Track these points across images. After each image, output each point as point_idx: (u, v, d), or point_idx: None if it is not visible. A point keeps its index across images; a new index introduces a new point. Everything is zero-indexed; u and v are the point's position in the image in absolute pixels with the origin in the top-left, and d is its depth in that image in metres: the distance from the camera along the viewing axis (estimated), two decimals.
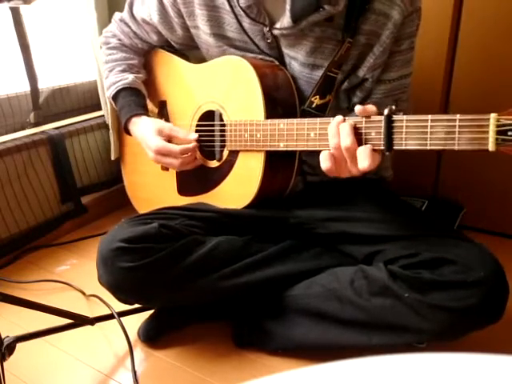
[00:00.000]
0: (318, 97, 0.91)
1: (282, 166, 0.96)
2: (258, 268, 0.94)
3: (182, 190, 1.13)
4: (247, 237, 0.97)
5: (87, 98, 1.61)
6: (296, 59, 0.94)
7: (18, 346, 0.82)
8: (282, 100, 0.93)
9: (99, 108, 1.55)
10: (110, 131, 1.36)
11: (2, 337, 0.79)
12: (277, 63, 0.96)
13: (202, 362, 0.95)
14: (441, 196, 1.47)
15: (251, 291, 0.95)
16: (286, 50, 0.95)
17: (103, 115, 1.56)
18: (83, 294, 1.19)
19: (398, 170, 1.15)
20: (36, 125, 1.45)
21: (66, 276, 1.27)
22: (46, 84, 1.48)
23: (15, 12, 1.32)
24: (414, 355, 0.29)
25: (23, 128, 1.43)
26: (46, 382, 0.93)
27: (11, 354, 0.80)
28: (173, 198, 1.13)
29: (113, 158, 1.39)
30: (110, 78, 1.12)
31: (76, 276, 1.27)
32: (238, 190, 0.99)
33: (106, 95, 1.17)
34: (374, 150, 0.73)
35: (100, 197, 1.63)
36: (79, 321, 0.94)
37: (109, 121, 1.38)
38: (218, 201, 1.03)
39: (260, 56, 0.97)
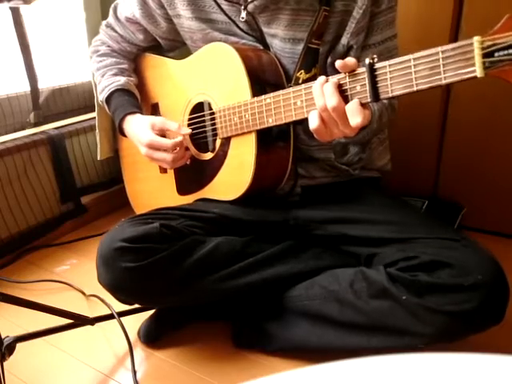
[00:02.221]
0: (302, 71, 0.91)
1: (275, 149, 0.95)
2: (259, 268, 0.94)
3: (182, 189, 1.13)
4: (247, 237, 0.97)
5: (87, 98, 1.61)
6: (276, 36, 0.94)
7: (18, 345, 0.82)
8: (268, 80, 0.92)
9: None
10: (97, 131, 1.37)
11: (2, 337, 0.80)
12: (261, 47, 0.96)
13: (202, 362, 0.95)
14: (441, 196, 1.47)
15: (252, 291, 0.95)
16: (265, 29, 0.95)
17: None
18: (83, 294, 1.19)
19: (398, 170, 1.15)
20: (36, 125, 1.46)
21: (66, 276, 1.28)
22: (46, 84, 1.48)
23: (15, 12, 1.32)
24: (413, 355, 0.29)
25: (23, 128, 1.44)
26: (46, 382, 0.93)
27: (11, 354, 0.80)
28: (174, 200, 1.13)
29: (99, 158, 1.40)
30: (102, 82, 1.12)
31: (76, 276, 1.27)
32: (233, 178, 0.98)
33: (99, 99, 1.16)
34: (362, 105, 0.71)
35: (100, 197, 1.63)
36: (79, 321, 0.94)
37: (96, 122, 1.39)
38: (215, 193, 1.02)
39: (243, 41, 0.97)
